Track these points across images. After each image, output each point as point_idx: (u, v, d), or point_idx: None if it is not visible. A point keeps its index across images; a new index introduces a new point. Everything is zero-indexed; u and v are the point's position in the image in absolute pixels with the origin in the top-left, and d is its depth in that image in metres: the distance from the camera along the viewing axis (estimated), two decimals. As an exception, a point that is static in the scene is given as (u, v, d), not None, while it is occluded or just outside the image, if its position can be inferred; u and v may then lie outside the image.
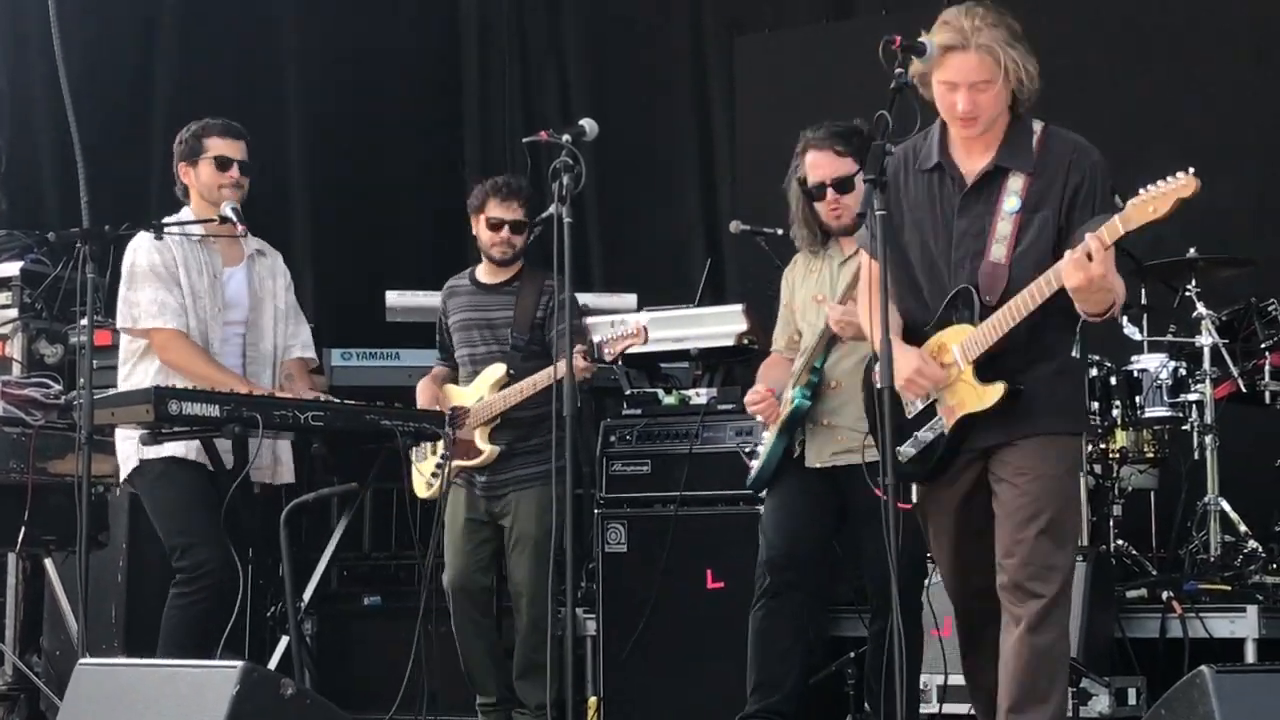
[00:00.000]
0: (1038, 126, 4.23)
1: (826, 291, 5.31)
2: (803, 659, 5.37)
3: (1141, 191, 3.93)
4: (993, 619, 4.24)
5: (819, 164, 5.31)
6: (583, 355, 5.66)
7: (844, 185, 5.28)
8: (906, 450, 4.25)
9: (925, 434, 4.26)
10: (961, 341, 4.18)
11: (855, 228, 4.96)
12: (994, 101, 4.14)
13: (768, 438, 5.36)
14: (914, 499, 4.32)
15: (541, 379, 5.84)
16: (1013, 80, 4.12)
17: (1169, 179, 3.89)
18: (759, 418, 5.44)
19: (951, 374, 4.20)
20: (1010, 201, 4.16)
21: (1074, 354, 4.65)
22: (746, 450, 5.75)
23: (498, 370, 6.04)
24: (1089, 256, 3.90)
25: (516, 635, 6.04)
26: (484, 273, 6.25)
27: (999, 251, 4.16)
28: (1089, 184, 4.14)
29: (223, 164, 5.52)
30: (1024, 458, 4.18)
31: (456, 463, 6.01)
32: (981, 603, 4.29)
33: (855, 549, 5.33)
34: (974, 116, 4.14)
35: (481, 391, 6.06)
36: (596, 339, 5.81)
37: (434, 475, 6.04)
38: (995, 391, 4.15)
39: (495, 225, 6.12)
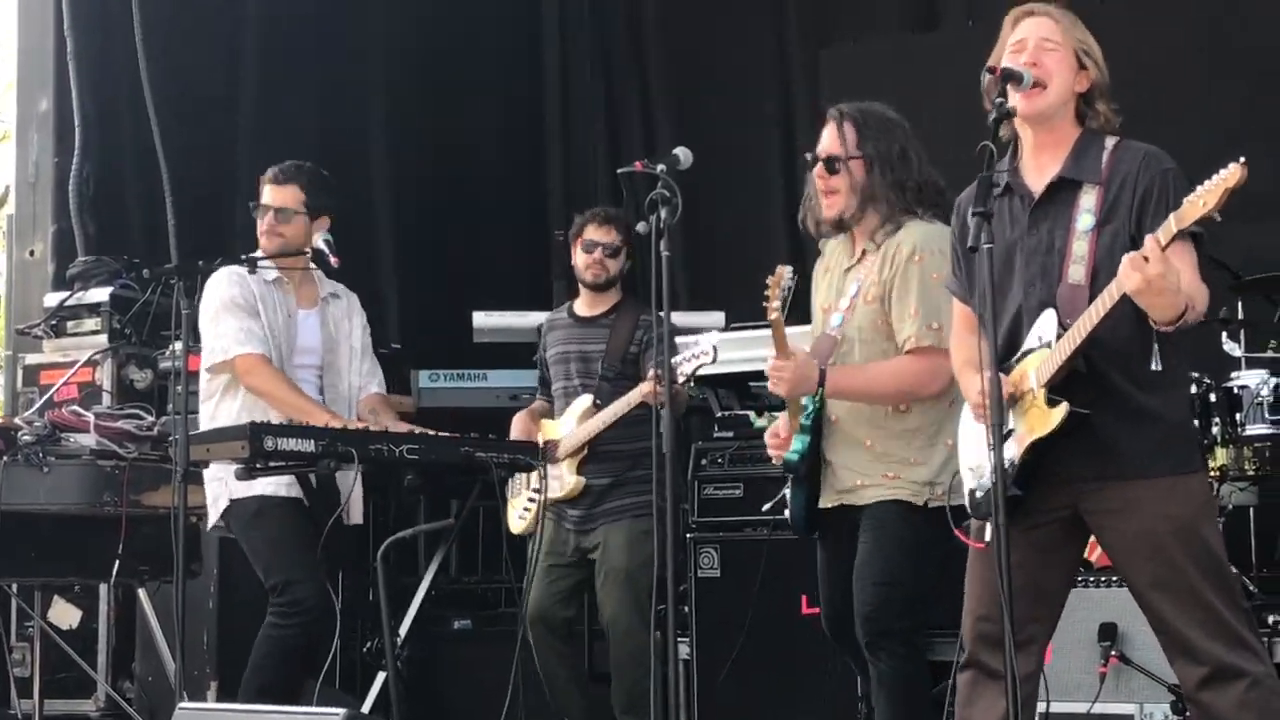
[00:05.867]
0: (1110, 142, 4.00)
1: (833, 301, 4.91)
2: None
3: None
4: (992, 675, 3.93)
5: (823, 135, 4.89)
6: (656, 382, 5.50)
7: (830, 165, 4.80)
8: (979, 484, 3.95)
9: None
10: (1037, 366, 3.91)
11: (838, 223, 4.82)
12: (1061, 65, 3.94)
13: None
14: (987, 538, 3.84)
15: (620, 406, 5.79)
16: (1080, 58, 3.96)
17: (1220, 172, 3.62)
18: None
19: (1027, 400, 3.91)
20: (1085, 220, 3.91)
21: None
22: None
23: (585, 401, 6.00)
24: (1145, 258, 3.62)
25: (613, 669, 5.98)
26: (581, 305, 6.21)
27: (1077, 273, 3.90)
28: (1159, 191, 3.84)
29: (260, 212, 5.51)
30: (1125, 506, 3.84)
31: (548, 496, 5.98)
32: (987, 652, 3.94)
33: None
34: (1042, 81, 3.90)
35: (570, 424, 6.02)
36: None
37: (525, 510, 6.01)
38: (1058, 414, 3.82)
39: (589, 248, 6.09)
